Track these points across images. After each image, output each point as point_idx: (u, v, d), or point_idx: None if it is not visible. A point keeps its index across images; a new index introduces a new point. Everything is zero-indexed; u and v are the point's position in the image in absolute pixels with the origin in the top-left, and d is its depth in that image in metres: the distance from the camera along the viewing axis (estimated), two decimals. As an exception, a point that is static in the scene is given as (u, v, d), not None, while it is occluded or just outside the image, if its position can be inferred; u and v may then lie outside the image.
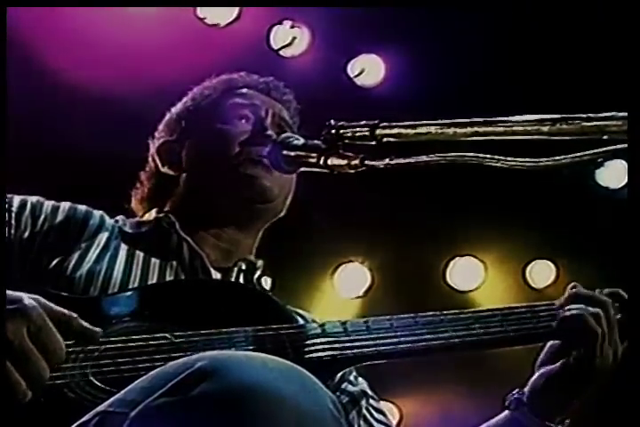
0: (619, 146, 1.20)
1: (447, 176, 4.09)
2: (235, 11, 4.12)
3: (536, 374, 1.86)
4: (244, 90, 2.16)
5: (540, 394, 1.83)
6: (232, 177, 2.00)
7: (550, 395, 1.82)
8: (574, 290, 1.91)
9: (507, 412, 1.87)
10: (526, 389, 1.85)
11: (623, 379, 1.48)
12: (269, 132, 2.04)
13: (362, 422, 2.00)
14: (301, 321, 1.94)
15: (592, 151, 1.23)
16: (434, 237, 5.00)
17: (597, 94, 3.68)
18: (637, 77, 2.00)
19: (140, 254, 1.91)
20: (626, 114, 1.16)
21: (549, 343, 1.88)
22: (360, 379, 2.06)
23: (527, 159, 1.34)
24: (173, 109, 2.21)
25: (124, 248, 1.91)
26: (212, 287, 1.83)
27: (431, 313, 1.77)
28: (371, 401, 2.05)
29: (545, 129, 1.26)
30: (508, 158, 1.40)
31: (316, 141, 1.72)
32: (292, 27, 4.34)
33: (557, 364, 1.83)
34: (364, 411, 2.02)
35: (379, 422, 2.04)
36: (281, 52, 4.35)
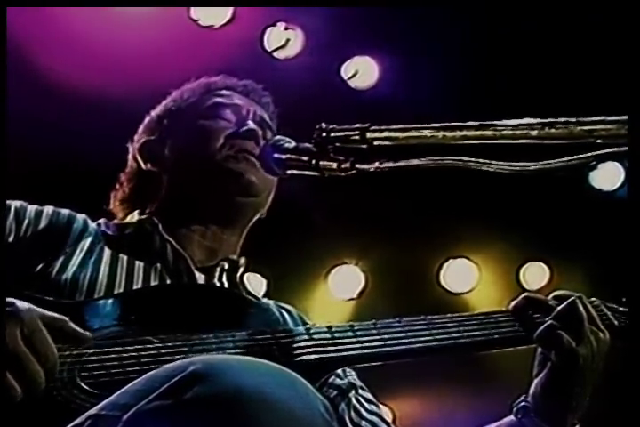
0: (608, 150, 1.20)
1: (441, 179, 4.09)
2: (229, 12, 4.12)
3: (534, 381, 1.86)
4: (224, 91, 2.18)
5: (541, 400, 1.82)
6: (217, 172, 2.01)
7: (550, 400, 1.82)
8: (527, 295, 1.92)
9: (513, 419, 1.85)
10: (529, 396, 1.85)
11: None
12: (252, 126, 2.05)
13: (353, 414, 1.99)
14: (287, 317, 1.98)
15: (582, 155, 1.24)
16: (428, 239, 5.00)
17: (592, 98, 3.68)
18: (635, 80, 2.00)
19: (123, 258, 1.90)
20: (615, 118, 1.16)
21: (539, 350, 1.87)
22: (348, 371, 2.05)
23: (517, 163, 1.34)
24: (153, 112, 2.22)
25: (107, 252, 1.90)
26: (197, 291, 1.84)
27: (416, 317, 1.78)
28: (360, 392, 2.05)
29: (534, 133, 1.26)
30: (500, 162, 1.39)
31: (306, 144, 1.72)
32: (286, 29, 4.33)
33: (546, 368, 1.83)
34: (354, 402, 2.01)
35: (370, 412, 2.03)
36: (275, 54, 4.34)
